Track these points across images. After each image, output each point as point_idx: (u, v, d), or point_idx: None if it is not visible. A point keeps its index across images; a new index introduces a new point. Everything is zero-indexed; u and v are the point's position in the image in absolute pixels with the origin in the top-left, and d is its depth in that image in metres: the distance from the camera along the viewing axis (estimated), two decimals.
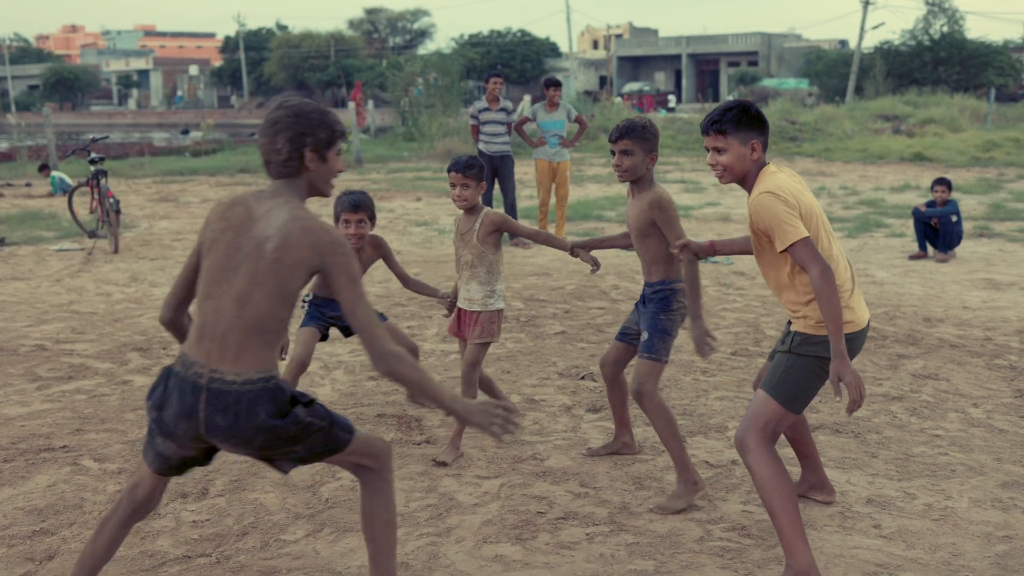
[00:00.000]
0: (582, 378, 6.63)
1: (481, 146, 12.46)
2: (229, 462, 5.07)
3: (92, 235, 12.51)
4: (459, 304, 5.28)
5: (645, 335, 4.67)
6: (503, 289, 6.04)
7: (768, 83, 62.04)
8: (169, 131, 63.33)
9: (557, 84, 12.60)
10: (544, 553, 4.06)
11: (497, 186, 12.56)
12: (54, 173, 19.04)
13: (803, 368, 3.82)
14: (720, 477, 4.90)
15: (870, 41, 55.83)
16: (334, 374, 6.72)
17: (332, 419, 3.23)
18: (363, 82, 72.53)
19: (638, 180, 4.69)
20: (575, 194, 17.07)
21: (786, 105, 39.65)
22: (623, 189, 18.63)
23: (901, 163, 25.09)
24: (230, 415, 3.04)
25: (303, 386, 6.33)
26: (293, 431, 3.11)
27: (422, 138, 30.24)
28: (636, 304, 4.89)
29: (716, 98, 72.38)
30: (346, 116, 30.08)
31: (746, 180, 3.89)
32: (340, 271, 3.08)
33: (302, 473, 4.92)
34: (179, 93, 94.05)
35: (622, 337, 4.95)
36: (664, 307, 4.65)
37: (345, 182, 20.55)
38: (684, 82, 77.99)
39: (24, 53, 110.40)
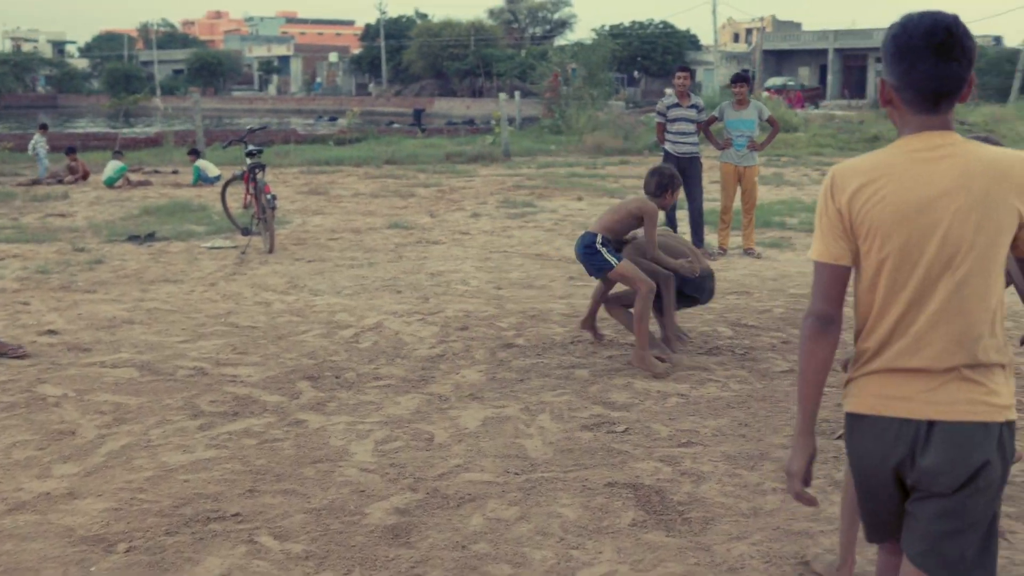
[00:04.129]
0: (838, 438, 5.47)
1: (668, 147, 11.33)
2: None
3: (246, 232, 11.74)
4: None
5: None
6: None
7: None
8: (308, 117, 63.69)
9: (745, 79, 11.39)
10: None
11: (682, 190, 11.41)
12: (198, 162, 18.56)
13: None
14: None
15: None
16: (539, 419, 5.69)
17: None
18: (502, 72, 71.96)
19: None
20: None
21: None
22: (797, 192, 17.27)
23: None
24: None
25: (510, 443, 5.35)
26: None
27: (569, 131, 29.16)
28: None
29: (863, 95, 69.71)
30: (496, 106, 29.40)
31: None
32: None
33: None
34: (318, 80, 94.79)
35: None
36: None
37: (496, 177, 19.63)
38: (829, 77, 75.35)
39: (170, 38, 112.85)
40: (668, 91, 11.57)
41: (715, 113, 11.57)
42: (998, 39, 74.67)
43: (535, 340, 7.43)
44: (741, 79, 11.36)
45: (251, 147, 12.00)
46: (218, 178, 17.34)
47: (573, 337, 7.48)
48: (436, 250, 11.41)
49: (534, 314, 8.24)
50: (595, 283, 7.43)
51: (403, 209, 14.85)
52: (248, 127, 14.03)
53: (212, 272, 10.10)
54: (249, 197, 12.04)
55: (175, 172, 20.20)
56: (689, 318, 8.05)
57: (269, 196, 11.14)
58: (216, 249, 11.48)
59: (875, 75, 70.23)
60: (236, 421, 5.62)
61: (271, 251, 11.16)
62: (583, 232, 6.92)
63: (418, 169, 20.98)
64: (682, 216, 12.07)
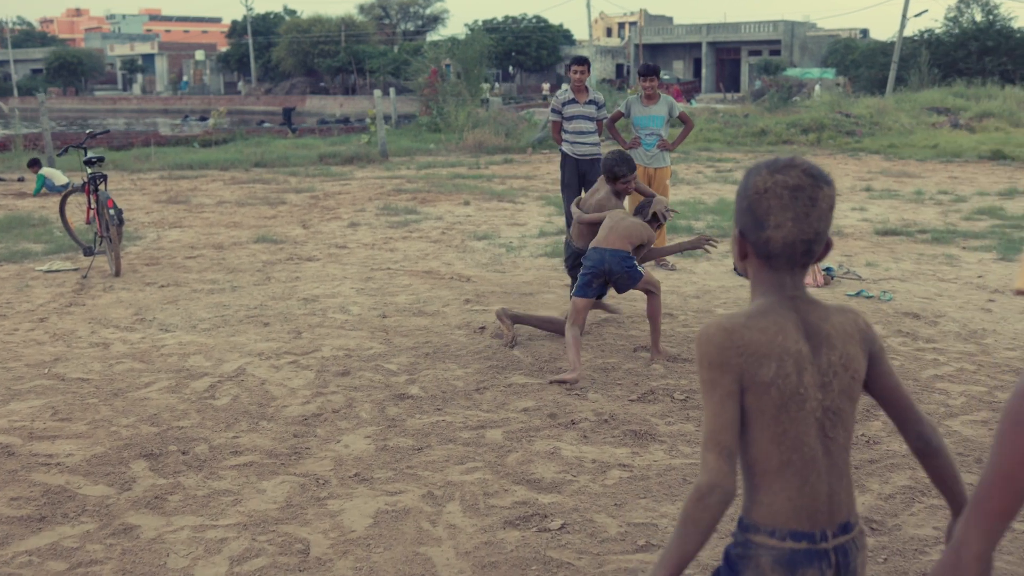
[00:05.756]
0: None
1: (565, 148, 10.11)
2: None
3: (88, 252, 10.15)
4: None
5: None
6: None
7: (792, 73, 59.64)
8: (175, 117, 61.25)
9: (655, 72, 10.26)
10: None
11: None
12: (43, 171, 16.68)
13: None
14: None
15: (900, 30, 52.46)
16: (447, 512, 4.39)
17: None
18: (375, 69, 70.20)
19: None
20: None
21: (833, 96, 37.25)
22: (696, 191, 16.27)
23: (982, 162, 22.65)
24: None
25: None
26: None
27: (449, 129, 27.81)
28: None
29: (737, 88, 70.11)
30: (370, 104, 27.97)
31: None
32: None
33: None
34: (185, 78, 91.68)
35: None
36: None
37: (374, 179, 18.23)
38: (704, 71, 75.65)
39: (27, 37, 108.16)
40: (545, 86, 10.43)
41: (621, 108, 10.43)
42: (865, 32, 76.07)
43: (432, 387, 6.13)
44: (650, 72, 10.22)
45: (90, 154, 10.41)
46: (66, 186, 15.57)
47: (478, 383, 6.20)
48: (310, 268, 10.02)
49: (428, 351, 6.94)
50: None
51: (272, 219, 13.36)
52: (88, 131, 12.36)
53: (44, 303, 8.54)
54: (92, 212, 10.45)
55: (21, 180, 18.32)
56: (614, 352, 6.85)
57: (113, 211, 9.60)
58: (54, 272, 9.90)
59: (748, 68, 70.63)
60: (42, 532, 4.18)
61: (117, 274, 9.63)
62: (603, 249, 6.76)
63: (289, 172, 19.41)
64: None
